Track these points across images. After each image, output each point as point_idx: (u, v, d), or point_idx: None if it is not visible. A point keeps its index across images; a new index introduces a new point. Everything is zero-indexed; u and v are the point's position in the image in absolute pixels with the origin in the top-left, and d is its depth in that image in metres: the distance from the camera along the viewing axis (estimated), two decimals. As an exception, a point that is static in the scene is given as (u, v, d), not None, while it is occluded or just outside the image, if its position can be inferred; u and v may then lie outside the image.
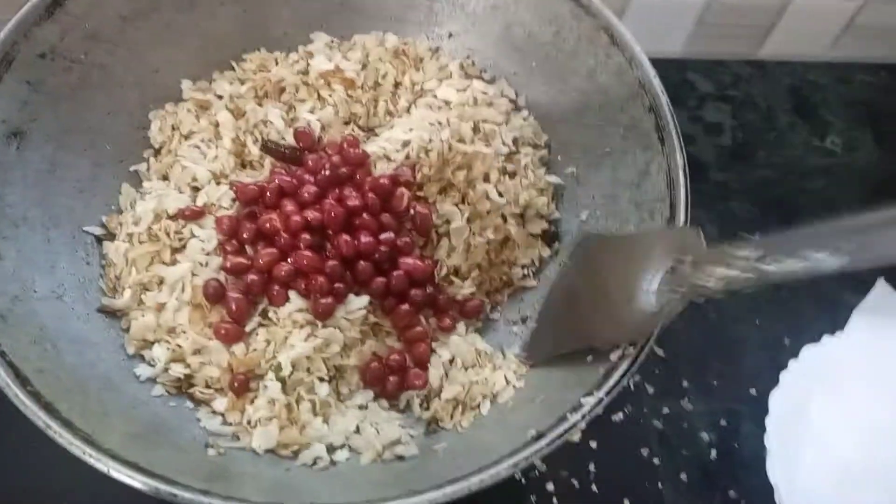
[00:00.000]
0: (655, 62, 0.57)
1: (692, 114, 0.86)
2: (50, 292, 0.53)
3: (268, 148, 0.60)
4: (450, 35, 0.66)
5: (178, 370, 0.53)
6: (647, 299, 0.47)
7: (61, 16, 0.55)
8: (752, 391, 0.70)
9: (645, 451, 0.66)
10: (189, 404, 0.53)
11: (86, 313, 0.54)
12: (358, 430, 0.53)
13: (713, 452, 0.68)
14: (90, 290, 0.55)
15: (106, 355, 0.53)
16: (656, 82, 0.56)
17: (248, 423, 0.52)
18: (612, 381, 0.47)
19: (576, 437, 0.46)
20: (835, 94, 0.90)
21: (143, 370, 0.53)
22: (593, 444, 0.65)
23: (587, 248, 0.56)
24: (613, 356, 0.49)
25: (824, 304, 0.75)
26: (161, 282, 0.55)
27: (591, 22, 0.59)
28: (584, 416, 0.46)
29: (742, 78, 0.90)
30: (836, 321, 0.71)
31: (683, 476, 0.66)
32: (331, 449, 0.52)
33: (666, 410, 0.69)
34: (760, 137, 0.86)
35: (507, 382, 0.55)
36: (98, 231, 0.58)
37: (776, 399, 0.66)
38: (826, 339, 0.68)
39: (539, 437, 0.46)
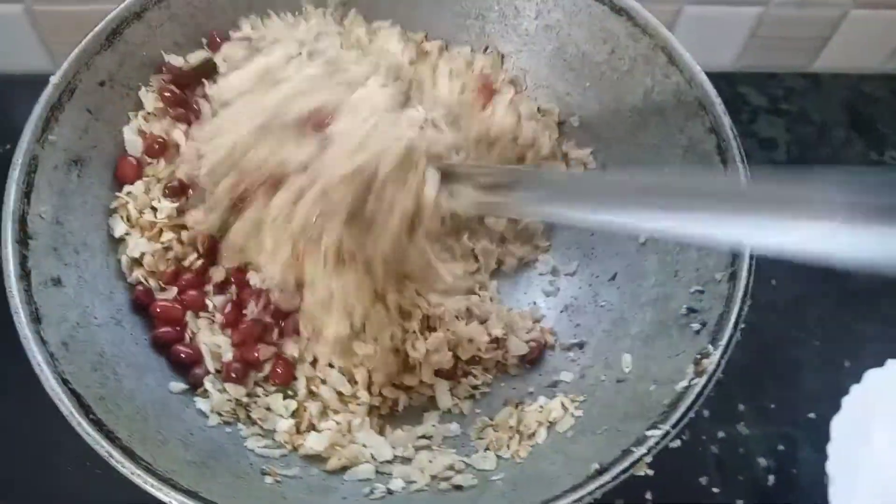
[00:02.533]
0: (706, 76, 0.56)
1: (745, 128, 0.84)
2: (109, 318, 0.53)
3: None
4: (502, 56, 0.65)
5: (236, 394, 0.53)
6: None
7: (120, 45, 0.56)
8: (811, 415, 0.69)
9: (704, 480, 0.65)
10: (241, 428, 0.54)
11: (143, 338, 0.54)
12: (408, 460, 0.53)
13: (771, 478, 0.66)
14: (147, 314, 0.56)
15: (163, 380, 0.53)
16: (717, 102, 0.55)
17: (300, 430, 0.53)
18: (678, 414, 0.46)
19: (641, 471, 0.44)
20: (891, 107, 0.88)
21: (201, 403, 0.54)
22: (650, 472, 0.64)
23: None
24: (678, 386, 0.48)
25: (886, 327, 0.73)
26: None
27: (647, 41, 0.58)
28: (650, 450, 0.45)
29: (796, 91, 0.88)
30: (898, 344, 0.69)
31: (741, 503, 0.64)
32: (383, 474, 0.52)
33: (722, 435, 0.68)
34: (815, 152, 0.84)
35: (565, 410, 0.54)
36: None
37: (838, 425, 0.64)
38: (890, 363, 0.66)
39: (603, 471, 0.45)
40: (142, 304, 0.55)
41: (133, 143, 0.58)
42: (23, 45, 0.76)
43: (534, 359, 0.59)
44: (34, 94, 0.54)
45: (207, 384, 0.54)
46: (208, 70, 0.59)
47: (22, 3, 0.74)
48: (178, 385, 0.54)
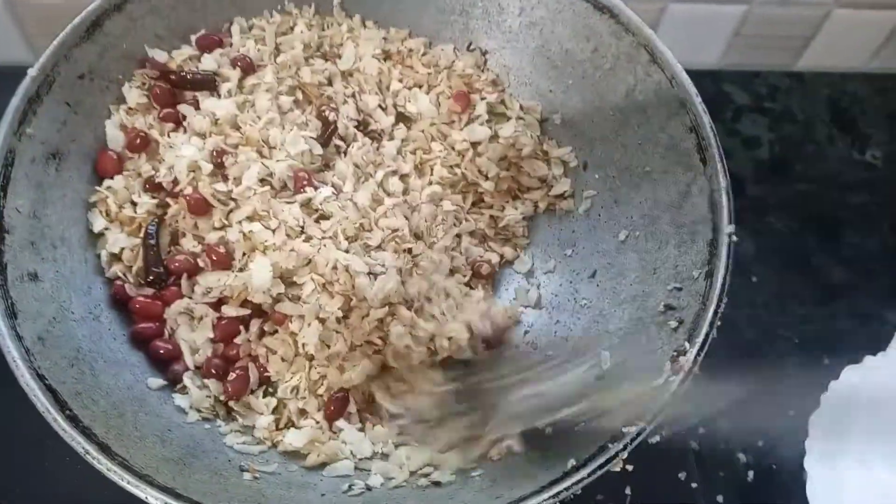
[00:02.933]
0: (690, 74, 0.56)
1: (729, 127, 0.85)
2: (87, 313, 0.53)
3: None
4: (485, 52, 0.65)
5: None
6: None
7: (100, 37, 0.56)
8: (791, 412, 0.69)
9: (682, 475, 0.65)
10: (220, 424, 0.53)
11: (122, 334, 0.54)
12: (386, 456, 0.53)
13: (750, 474, 0.66)
14: (125, 309, 0.55)
15: (141, 376, 0.53)
16: (698, 101, 0.55)
17: (279, 426, 0.53)
18: (654, 410, 0.46)
19: (617, 467, 0.45)
20: (874, 106, 0.88)
21: (179, 400, 0.53)
22: (629, 467, 0.64)
23: None
24: (655, 383, 0.48)
25: (865, 324, 0.74)
26: None
27: (630, 39, 0.58)
28: (626, 446, 0.45)
29: (779, 90, 0.89)
30: (877, 341, 0.70)
31: (720, 498, 0.65)
32: (362, 470, 0.52)
33: (702, 431, 0.68)
34: (799, 150, 0.85)
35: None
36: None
37: (816, 421, 0.64)
38: (868, 359, 0.67)
39: (579, 466, 0.45)
40: (121, 300, 0.55)
41: (115, 137, 0.58)
42: (2, 37, 0.75)
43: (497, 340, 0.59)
44: (14, 86, 0.53)
45: (187, 380, 0.54)
46: (207, 83, 0.59)
47: (2, -6, 0.73)
48: (156, 381, 0.53)
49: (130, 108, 0.58)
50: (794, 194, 0.82)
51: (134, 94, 0.58)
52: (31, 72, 0.53)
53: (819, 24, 0.84)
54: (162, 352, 0.55)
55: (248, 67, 0.60)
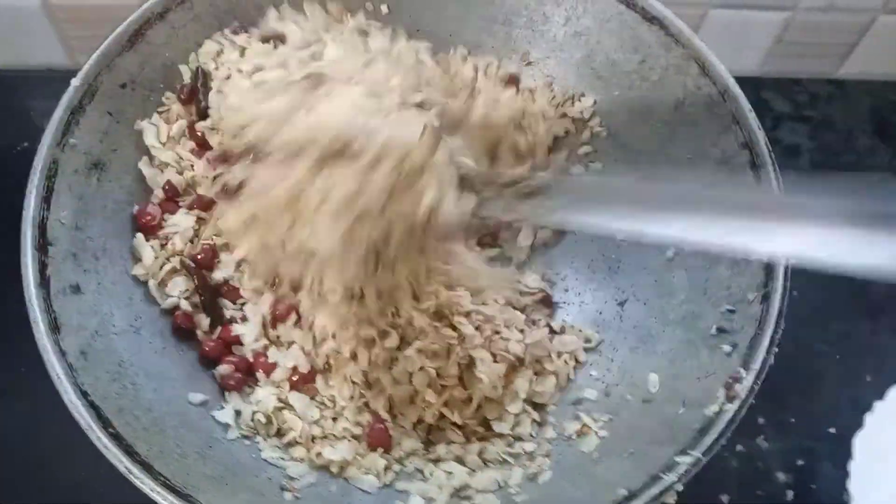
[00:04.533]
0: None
1: (768, 135, 0.82)
2: (128, 326, 0.52)
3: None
4: (528, 62, 0.64)
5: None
6: None
7: (142, 46, 0.55)
8: (831, 430, 0.68)
9: (725, 498, 0.64)
10: (259, 440, 0.53)
11: (162, 347, 0.54)
12: (426, 477, 0.53)
13: (790, 494, 0.65)
14: (166, 322, 0.55)
15: (182, 391, 0.52)
16: (752, 117, 0.54)
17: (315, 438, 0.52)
18: (709, 440, 0.45)
19: (671, 499, 0.44)
20: (917, 116, 0.87)
21: (221, 415, 0.53)
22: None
23: None
24: (709, 410, 0.47)
25: (909, 341, 0.72)
26: None
27: (680, 51, 0.57)
28: (680, 478, 0.44)
29: (820, 97, 0.87)
30: (923, 359, 0.68)
31: (759, 518, 0.64)
32: (400, 492, 0.52)
33: (740, 448, 0.67)
34: (839, 160, 0.83)
35: (588, 429, 0.53)
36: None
37: (861, 442, 0.63)
38: (914, 379, 0.65)
39: (631, 497, 0.44)
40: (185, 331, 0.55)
41: (152, 177, 0.57)
42: (39, 39, 0.75)
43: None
44: (51, 89, 0.53)
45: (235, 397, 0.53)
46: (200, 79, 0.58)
47: (38, -3, 0.73)
48: (197, 396, 0.53)
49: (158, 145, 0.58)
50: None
51: (151, 133, 0.57)
52: (75, 81, 0.52)
53: (863, 30, 0.82)
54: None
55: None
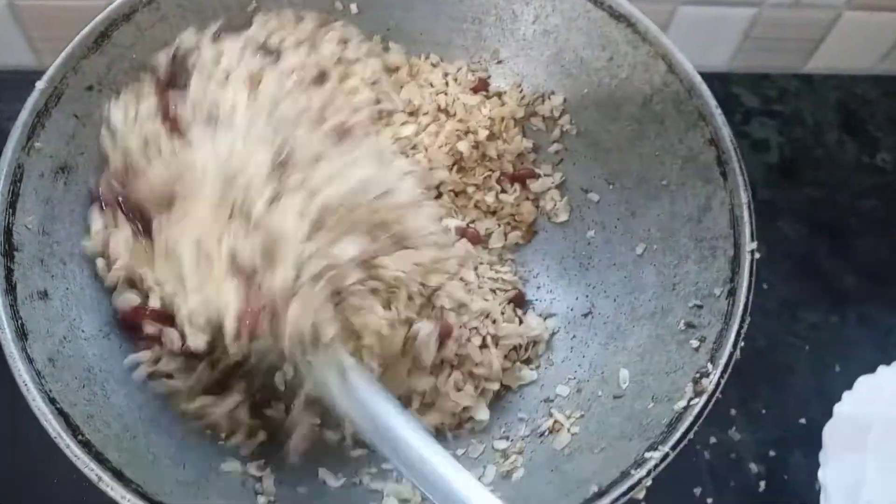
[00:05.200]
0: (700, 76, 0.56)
1: (738, 129, 0.83)
2: (97, 331, 0.52)
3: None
4: (498, 61, 0.64)
5: None
6: None
7: (108, 47, 0.54)
8: (802, 420, 0.69)
9: (698, 490, 0.65)
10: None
11: (132, 352, 0.53)
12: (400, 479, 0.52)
13: (762, 484, 0.66)
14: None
15: (153, 396, 0.52)
16: (718, 113, 0.54)
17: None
18: (677, 435, 0.45)
19: (640, 494, 0.44)
20: (884, 110, 0.88)
21: None
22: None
23: None
24: (677, 405, 0.47)
25: (876, 332, 0.74)
26: None
27: (647, 49, 0.57)
28: (649, 473, 0.44)
29: (789, 92, 0.88)
30: (889, 349, 0.69)
31: (732, 509, 0.65)
32: (375, 491, 0.52)
33: (713, 440, 0.68)
34: (808, 154, 0.84)
35: (560, 425, 0.53)
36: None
37: (830, 432, 0.64)
38: (882, 369, 0.66)
39: (601, 493, 0.44)
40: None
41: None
42: (6, 40, 0.74)
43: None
44: (17, 91, 0.52)
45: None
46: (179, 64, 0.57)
47: (4, -2, 0.72)
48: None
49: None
50: (803, 199, 0.82)
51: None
52: (40, 84, 0.51)
53: (829, 26, 0.83)
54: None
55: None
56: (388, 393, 0.46)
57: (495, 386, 0.57)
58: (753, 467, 0.67)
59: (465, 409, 0.55)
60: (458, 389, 0.55)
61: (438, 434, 0.55)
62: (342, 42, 0.61)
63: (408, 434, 0.44)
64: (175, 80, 0.56)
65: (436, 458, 0.43)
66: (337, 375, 0.46)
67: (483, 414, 0.56)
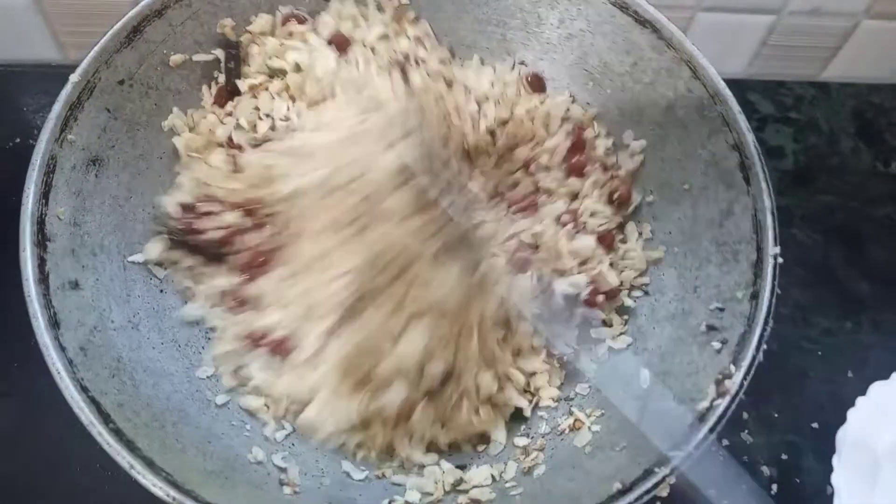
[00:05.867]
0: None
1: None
2: (126, 322, 0.52)
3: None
4: (522, 63, 0.65)
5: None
6: None
7: (140, 43, 0.55)
8: (814, 424, 0.69)
9: (712, 492, 0.65)
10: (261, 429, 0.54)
11: (160, 342, 0.54)
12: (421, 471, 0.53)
13: (774, 487, 0.66)
14: (164, 318, 0.55)
15: (180, 386, 0.53)
16: (741, 119, 0.55)
17: None
18: (700, 434, 0.46)
19: (664, 492, 0.45)
20: (899, 119, 0.88)
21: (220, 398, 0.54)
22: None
23: None
24: (700, 406, 0.48)
25: (889, 338, 0.74)
26: None
27: (671, 54, 0.58)
28: (673, 471, 0.45)
29: (804, 100, 0.88)
30: (903, 354, 0.70)
31: (744, 512, 0.65)
32: (397, 485, 0.52)
33: (726, 443, 0.68)
34: (823, 162, 0.85)
35: (581, 424, 0.54)
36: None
37: (844, 437, 0.64)
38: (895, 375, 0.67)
39: (626, 490, 0.45)
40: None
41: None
42: (31, 34, 0.74)
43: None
44: (42, 85, 0.53)
45: None
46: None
47: (30, -8, 0.72)
48: (206, 371, 0.54)
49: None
50: (818, 206, 0.82)
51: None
52: (73, 77, 0.52)
53: (847, 34, 0.84)
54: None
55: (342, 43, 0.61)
56: None
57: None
58: (766, 470, 0.67)
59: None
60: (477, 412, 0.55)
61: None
62: (417, 39, 0.63)
63: None
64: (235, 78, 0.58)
65: None
66: None
67: (500, 436, 0.56)
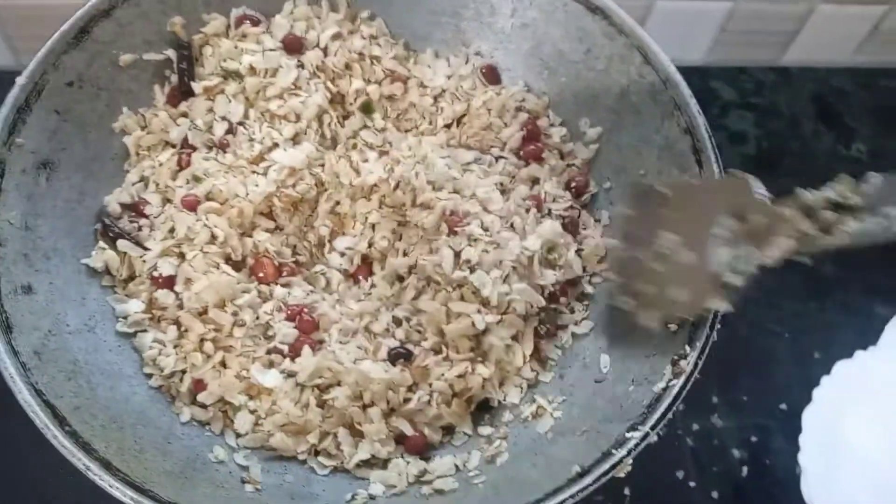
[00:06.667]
0: (677, 70, 0.56)
1: (715, 122, 0.84)
2: (82, 325, 0.52)
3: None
4: (477, 53, 0.65)
5: None
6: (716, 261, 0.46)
7: (88, 43, 0.55)
8: (783, 406, 0.70)
9: (680, 474, 0.65)
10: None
11: (117, 345, 0.54)
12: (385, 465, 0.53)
13: (745, 470, 0.67)
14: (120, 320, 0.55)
15: (138, 388, 0.52)
16: (692, 103, 0.55)
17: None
18: (657, 415, 0.46)
19: (622, 472, 0.45)
20: (859, 101, 0.89)
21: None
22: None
23: (645, 205, 0.53)
24: (656, 387, 0.48)
25: (855, 318, 0.74)
26: None
27: (623, 41, 0.58)
28: (630, 452, 0.45)
29: (765, 85, 0.89)
30: (867, 335, 0.70)
31: (715, 494, 0.66)
32: (361, 479, 0.52)
33: (696, 427, 0.69)
34: (785, 146, 0.85)
35: (544, 410, 0.54)
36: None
37: (810, 417, 0.65)
38: (859, 354, 0.67)
39: (584, 473, 0.45)
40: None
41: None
42: (-16, 40, 0.74)
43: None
44: (-3, 89, 0.52)
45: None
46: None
47: (-17, -2, 0.72)
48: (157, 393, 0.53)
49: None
50: (781, 189, 0.82)
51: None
52: (20, 80, 0.52)
53: (804, 19, 0.84)
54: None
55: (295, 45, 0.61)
56: None
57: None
58: (736, 453, 0.68)
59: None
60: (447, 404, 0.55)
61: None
62: (372, 38, 0.63)
63: None
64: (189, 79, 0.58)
65: None
66: None
67: (467, 427, 0.56)
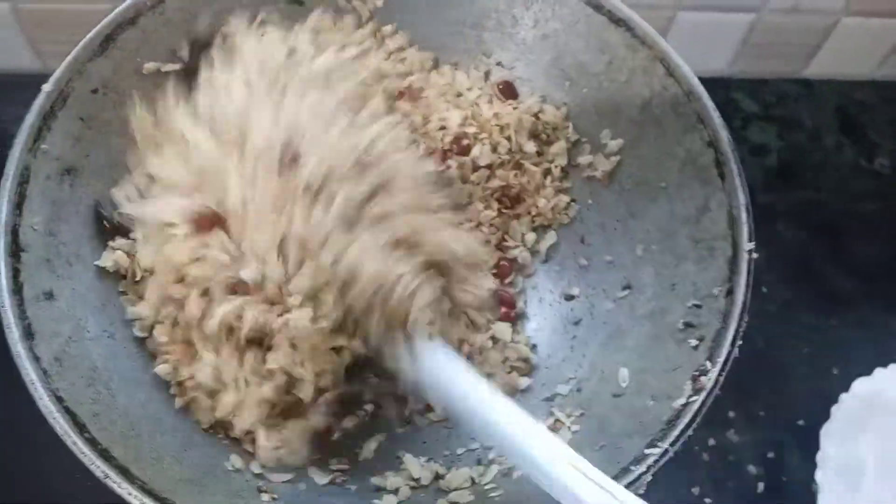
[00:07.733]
0: (700, 81, 0.56)
1: (737, 134, 0.82)
2: (102, 331, 0.52)
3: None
4: (498, 64, 0.65)
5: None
6: None
7: (113, 51, 0.55)
8: (800, 422, 0.69)
9: (696, 490, 0.65)
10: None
11: (135, 352, 0.54)
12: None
13: (760, 486, 0.67)
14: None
15: (156, 394, 0.52)
16: (716, 116, 0.55)
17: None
18: (676, 431, 0.46)
19: (641, 490, 0.45)
20: (882, 114, 0.89)
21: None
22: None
23: None
24: (676, 403, 0.48)
25: (874, 334, 0.74)
26: None
27: (646, 52, 0.58)
28: (649, 469, 0.45)
29: (788, 97, 0.89)
30: (886, 351, 0.70)
31: (730, 510, 0.65)
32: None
33: (712, 442, 0.68)
34: (807, 158, 0.85)
35: (561, 424, 0.54)
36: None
37: (827, 433, 0.64)
38: (878, 371, 0.67)
39: (602, 489, 0.45)
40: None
41: None
42: (8, 43, 0.74)
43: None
44: (21, 94, 0.53)
45: None
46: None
47: (9, 2, 0.72)
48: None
49: None
50: (802, 203, 0.82)
51: None
52: (46, 87, 0.52)
53: (827, 32, 0.84)
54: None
55: None
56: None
57: None
58: (752, 469, 0.67)
59: None
60: None
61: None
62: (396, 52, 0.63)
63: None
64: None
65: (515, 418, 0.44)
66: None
67: None
